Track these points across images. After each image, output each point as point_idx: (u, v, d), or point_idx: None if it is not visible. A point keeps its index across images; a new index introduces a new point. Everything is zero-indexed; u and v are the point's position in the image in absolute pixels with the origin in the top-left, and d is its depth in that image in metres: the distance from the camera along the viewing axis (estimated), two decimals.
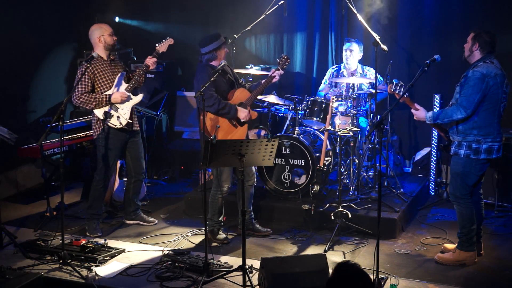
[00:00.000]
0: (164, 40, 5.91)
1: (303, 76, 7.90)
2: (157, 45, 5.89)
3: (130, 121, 5.82)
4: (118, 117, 5.72)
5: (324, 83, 7.10)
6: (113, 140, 5.78)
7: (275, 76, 5.64)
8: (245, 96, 5.65)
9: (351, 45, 6.81)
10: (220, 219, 5.66)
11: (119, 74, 5.82)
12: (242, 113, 5.53)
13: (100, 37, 5.76)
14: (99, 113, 5.71)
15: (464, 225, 5.02)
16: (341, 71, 6.96)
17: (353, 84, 6.61)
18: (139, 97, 5.87)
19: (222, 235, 5.65)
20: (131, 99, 5.79)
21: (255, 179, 5.76)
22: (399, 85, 4.94)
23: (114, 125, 5.73)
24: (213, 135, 5.31)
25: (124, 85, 5.80)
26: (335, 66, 7.16)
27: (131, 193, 6.11)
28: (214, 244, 5.56)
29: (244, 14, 7.49)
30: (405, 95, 4.92)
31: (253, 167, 5.74)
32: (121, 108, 5.74)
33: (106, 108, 5.70)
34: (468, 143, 4.88)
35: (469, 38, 4.94)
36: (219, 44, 5.53)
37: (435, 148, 6.87)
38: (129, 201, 6.13)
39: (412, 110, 5.09)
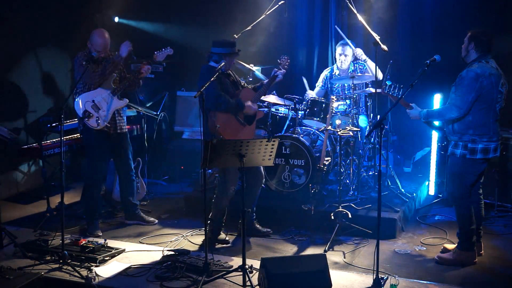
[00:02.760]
0: (163, 49, 5.83)
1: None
2: (155, 52, 5.83)
3: (109, 125, 5.77)
4: (97, 118, 5.69)
5: (317, 85, 7.07)
6: (96, 141, 5.77)
7: (277, 75, 5.65)
8: (251, 95, 5.65)
9: (346, 50, 6.75)
10: (221, 220, 5.66)
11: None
12: (250, 109, 5.53)
13: (92, 47, 5.75)
14: (79, 110, 5.69)
15: (463, 225, 5.02)
16: (334, 72, 6.94)
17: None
18: (124, 102, 5.83)
19: (222, 235, 5.65)
20: (115, 102, 5.75)
21: (264, 180, 5.77)
22: (393, 86, 4.93)
23: (91, 125, 5.70)
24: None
25: (112, 88, 5.76)
26: (328, 69, 7.12)
27: (126, 193, 6.12)
28: (214, 244, 5.56)
29: (244, 14, 7.49)
30: (395, 95, 4.90)
31: (262, 169, 5.74)
32: (102, 110, 5.71)
33: (87, 107, 5.67)
34: (464, 143, 4.87)
35: (466, 38, 4.94)
36: (231, 52, 5.50)
37: (435, 148, 6.87)
38: (126, 202, 6.14)
39: (407, 110, 5.08)
